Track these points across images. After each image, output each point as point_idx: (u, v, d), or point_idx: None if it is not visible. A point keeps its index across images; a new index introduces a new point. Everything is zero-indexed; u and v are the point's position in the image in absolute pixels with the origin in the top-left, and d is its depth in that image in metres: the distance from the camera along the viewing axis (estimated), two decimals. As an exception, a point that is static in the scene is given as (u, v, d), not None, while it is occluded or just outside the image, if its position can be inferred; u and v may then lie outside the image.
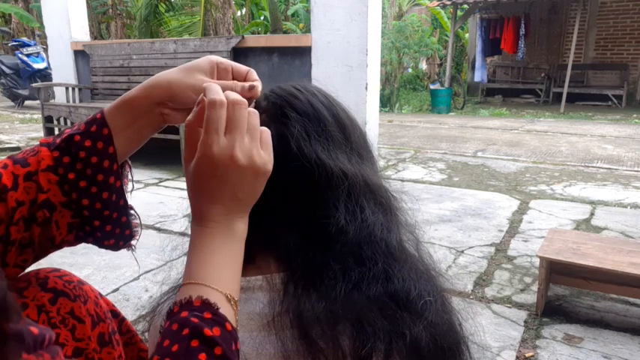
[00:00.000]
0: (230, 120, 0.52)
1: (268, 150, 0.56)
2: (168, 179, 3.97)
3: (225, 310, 0.50)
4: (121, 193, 0.66)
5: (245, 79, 0.65)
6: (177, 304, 0.50)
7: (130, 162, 0.70)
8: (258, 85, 0.63)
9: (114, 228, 0.67)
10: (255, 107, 0.65)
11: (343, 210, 0.60)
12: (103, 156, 0.62)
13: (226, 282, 0.52)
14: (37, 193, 0.62)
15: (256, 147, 0.54)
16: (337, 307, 0.55)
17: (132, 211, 0.69)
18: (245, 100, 0.54)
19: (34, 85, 5.65)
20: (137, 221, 0.70)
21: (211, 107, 0.52)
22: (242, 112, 0.53)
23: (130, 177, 0.70)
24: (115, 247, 0.70)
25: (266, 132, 0.56)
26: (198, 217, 0.55)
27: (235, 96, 0.54)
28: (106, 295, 1.98)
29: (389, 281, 0.58)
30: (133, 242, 0.71)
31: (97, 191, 0.63)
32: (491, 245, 2.58)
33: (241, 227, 0.56)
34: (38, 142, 0.65)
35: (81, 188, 0.63)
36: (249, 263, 0.63)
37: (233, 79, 0.65)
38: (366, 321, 0.54)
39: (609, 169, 4.45)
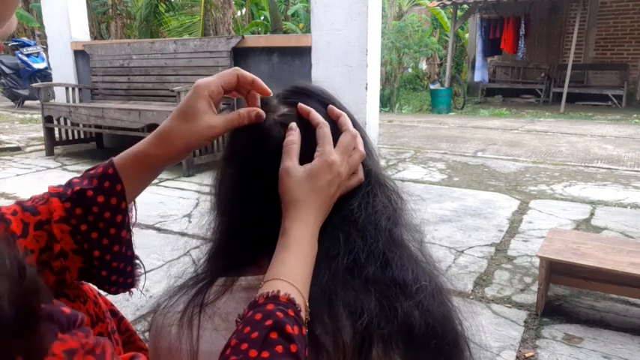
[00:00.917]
0: (341, 144, 0.61)
1: (349, 187, 0.63)
2: (168, 179, 3.97)
3: (304, 314, 0.52)
4: (130, 245, 0.67)
5: (252, 86, 0.65)
6: (264, 296, 0.51)
7: (135, 202, 0.70)
8: (262, 113, 0.64)
9: (118, 278, 0.69)
10: (265, 104, 0.66)
11: (359, 200, 0.62)
12: (117, 211, 0.63)
13: (307, 290, 0.55)
14: (49, 243, 0.62)
15: (346, 178, 0.62)
16: (336, 290, 0.56)
17: (137, 261, 0.70)
18: (358, 134, 0.64)
19: (34, 85, 5.65)
20: (141, 270, 0.71)
21: (352, 137, 0.63)
22: (350, 142, 0.62)
23: (134, 217, 0.70)
24: (114, 293, 0.71)
25: (358, 180, 0.64)
26: (297, 217, 0.57)
27: (353, 130, 0.63)
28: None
29: (387, 265, 0.59)
30: (133, 290, 0.73)
31: (108, 244, 0.64)
32: (491, 245, 2.58)
33: (317, 246, 0.59)
34: (47, 190, 0.65)
35: (93, 240, 0.63)
36: (251, 263, 0.63)
37: (238, 86, 0.65)
38: (365, 307, 0.55)
39: (609, 169, 4.45)
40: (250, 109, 0.64)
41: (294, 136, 0.61)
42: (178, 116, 0.63)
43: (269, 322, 0.47)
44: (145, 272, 0.71)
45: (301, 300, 0.52)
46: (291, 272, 0.54)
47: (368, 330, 0.54)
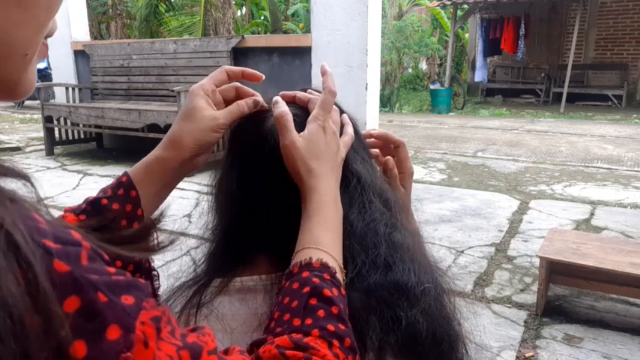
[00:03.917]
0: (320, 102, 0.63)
1: (347, 144, 0.66)
2: (168, 179, 3.97)
3: (340, 276, 0.53)
4: (147, 257, 0.66)
5: (243, 77, 0.69)
6: (297, 265, 0.52)
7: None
8: (258, 96, 0.66)
9: None
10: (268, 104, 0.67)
11: (356, 211, 0.61)
12: (133, 219, 0.62)
13: (339, 253, 0.56)
14: None
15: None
16: None
17: (154, 272, 0.68)
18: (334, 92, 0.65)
19: (34, 85, 5.63)
20: (157, 282, 0.69)
21: (331, 94, 0.64)
22: (327, 100, 0.64)
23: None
24: None
25: (350, 137, 0.66)
26: (315, 185, 0.58)
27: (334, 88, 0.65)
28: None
29: (389, 270, 0.58)
30: None
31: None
32: (491, 245, 2.58)
33: (341, 208, 0.59)
34: (62, 210, 0.63)
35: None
36: (248, 264, 0.63)
37: (230, 80, 0.67)
38: (363, 315, 0.54)
39: (609, 169, 4.45)
40: (248, 98, 0.66)
41: (283, 108, 0.61)
42: (181, 118, 0.65)
43: (307, 290, 0.49)
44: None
45: (334, 262, 0.54)
46: (320, 238, 0.55)
47: (365, 343, 0.53)
